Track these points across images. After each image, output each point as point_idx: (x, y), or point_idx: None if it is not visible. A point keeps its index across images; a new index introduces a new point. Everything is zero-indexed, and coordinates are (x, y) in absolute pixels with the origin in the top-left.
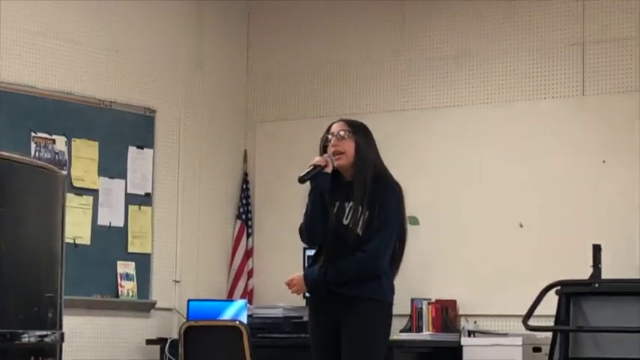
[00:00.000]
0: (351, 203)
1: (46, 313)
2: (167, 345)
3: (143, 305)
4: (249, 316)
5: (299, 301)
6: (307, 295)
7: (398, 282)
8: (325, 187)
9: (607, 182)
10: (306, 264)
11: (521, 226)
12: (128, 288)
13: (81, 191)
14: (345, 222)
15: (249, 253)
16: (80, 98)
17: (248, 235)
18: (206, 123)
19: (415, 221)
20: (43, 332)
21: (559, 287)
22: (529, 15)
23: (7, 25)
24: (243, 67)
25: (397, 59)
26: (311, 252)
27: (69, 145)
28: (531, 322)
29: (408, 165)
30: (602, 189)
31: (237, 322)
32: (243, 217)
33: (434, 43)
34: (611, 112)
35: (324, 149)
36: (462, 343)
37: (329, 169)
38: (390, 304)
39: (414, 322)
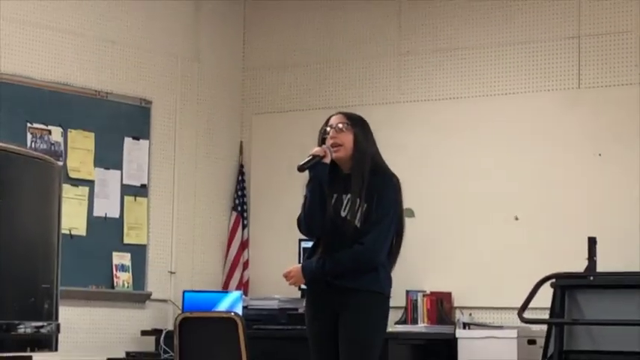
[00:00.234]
0: (348, 195)
1: (42, 304)
2: (162, 336)
3: (138, 296)
4: (244, 308)
5: (294, 292)
6: (304, 287)
7: (393, 274)
8: (324, 178)
9: (602, 175)
10: (301, 255)
11: (516, 218)
12: (123, 279)
13: (77, 182)
14: (343, 214)
15: (244, 245)
16: (76, 89)
17: (244, 227)
18: (202, 114)
19: (411, 213)
20: (39, 323)
21: (554, 280)
22: (525, 8)
23: (4, 17)
24: (240, 59)
25: (393, 52)
26: (307, 244)
27: (65, 135)
28: (526, 315)
29: (404, 157)
30: (597, 182)
31: (233, 314)
32: (239, 208)
33: (430, 35)
34: (606, 105)
35: (322, 141)
36: (457, 335)
37: (327, 160)
38: (388, 297)
39: (409, 314)
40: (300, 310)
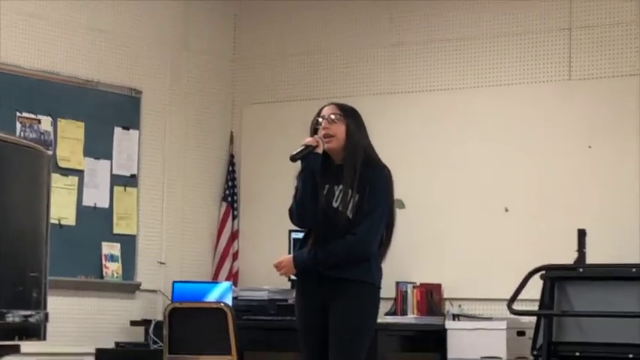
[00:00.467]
0: (340, 186)
1: (31, 293)
2: (152, 326)
3: (128, 286)
4: (234, 298)
5: (284, 283)
6: (293, 277)
7: (383, 265)
8: (316, 168)
9: (593, 167)
10: (291, 246)
11: (506, 210)
12: (113, 269)
13: (66, 172)
14: (335, 205)
15: (234, 236)
16: (66, 78)
17: (234, 217)
18: (192, 104)
19: (401, 205)
20: (28, 312)
21: (544, 271)
22: (516, 0)
23: None
24: (230, 49)
25: (384, 43)
26: (297, 235)
27: (54, 125)
28: (516, 306)
29: (395, 148)
30: (587, 174)
31: (222, 304)
32: (229, 199)
33: (421, 26)
34: (597, 97)
35: (314, 132)
36: (447, 326)
37: (320, 150)
38: (379, 288)
39: (399, 305)
40: (290, 301)
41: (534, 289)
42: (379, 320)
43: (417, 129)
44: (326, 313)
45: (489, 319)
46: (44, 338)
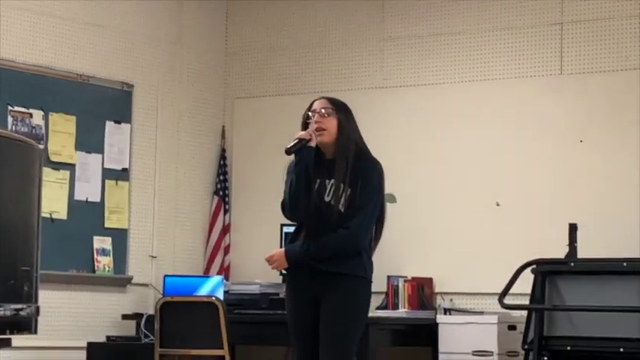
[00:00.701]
0: (332, 181)
1: (22, 287)
2: (143, 320)
3: (119, 280)
4: (225, 292)
5: (276, 277)
6: (284, 272)
7: (375, 259)
8: (310, 161)
9: (584, 162)
10: (283, 240)
11: (497, 204)
12: (104, 263)
13: (58, 165)
14: (327, 199)
15: (226, 229)
16: (58, 72)
17: (225, 211)
18: (184, 98)
19: (392, 199)
20: (19, 305)
21: (535, 266)
22: None
23: None
24: (222, 43)
25: (376, 37)
26: (289, 229)
27: (46, 119)
28: (507, 301)
29: (386, 143)
30: (579, 168)
31: (214, 298)
32: (221, 193)
33: (413, 21)
34: (588, 92)
35: (305, 126)
36: (438, 320)
37: (313, 144)
38: (370, 281)
39: (390, 299)
40: (282, 295)
41: (525, 283)
42: (370, 314)
43: (408, 123)
44: (317, 306)
45: (481, 313)
46: (35, 332)
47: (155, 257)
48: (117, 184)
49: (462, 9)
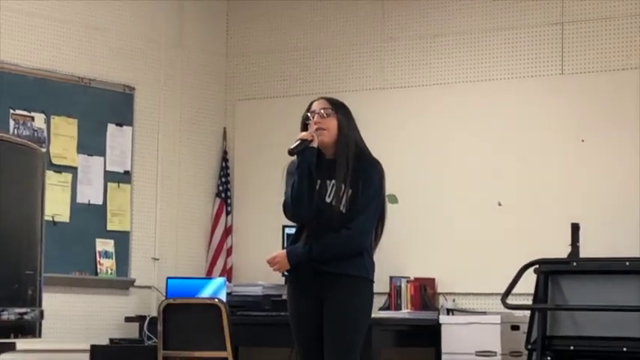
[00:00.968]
0: (333, 181)
1: (26, 291)
2: (146, 322)
3: (122, 283)
4: (228, 294)
5: (278, 278)
6: (286, 273)
7: (377, 260)
8: (313, 162)
9: (586, 161)
10: (285, 242)
11: (499, 204)
12: (107, 266)
13: (60, 168)
14: (328, 200)
15: (228, 231)
16: (59, 76)
17: (227, 213)
18: (185, 101)
19: (394, 200)
20: (23, 309)
21: (537, 266)
22: None
23: None
24: (223, 45)
25: (376, 38)
26: (291, 230)
27: (48, 122)
28: (510, 301)
29: (387, 144)
30: (580, 168)
31: (216, 300)
32: (223, 195)
33: (413, 22)
34: (590, 92)
35: (304, 127)
36: (441, 321)
37: (315, 144)
38: (372, 281)
39: (393, 300)
40: (284, 297)
41: (528, 283)
42: (373, 315)
43: (409, 124)
44: (320, 307)
45: (483, 313)
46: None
47: (157, 259)
48: (119, 186)
49: (463, 9)
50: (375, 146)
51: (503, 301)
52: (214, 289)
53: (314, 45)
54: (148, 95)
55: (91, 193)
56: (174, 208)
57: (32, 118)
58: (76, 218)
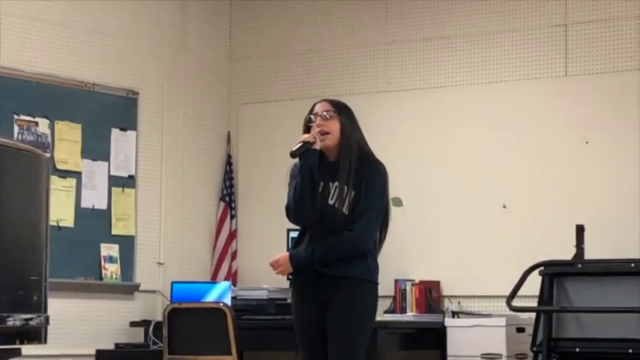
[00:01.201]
0: (336, 183)
1: (31, 297)
2: (151, 327)
3: (127, 287)
4: (233, 298)
5: (283, 282)
6: (290, 276)
7: (382, 263)
8: (315, 164)
9: (590, 163)
10: (289, 245)
11: (504, 207)
12: (112, 270)
13: (64, 174)
14: (331, 202)
15: (232, 235)
16: (63, 81)
17: (232, 217)
18: (189, 105)
19: (399, 202)
20: (28, 315)
21: (542, 268)
22: None
23: None
24: (227, 49)
25: (380, 41)
26: (295, 234)
27: (52, 127)
28: (515, 303)
29: (391, 146)
30: (585, 170)
31: (222, 304)
32: (227, 199)
33: (417, 24)
34: (593, 93)
35: (307, 130)
36: (446, 324)
37: (317, 146)
38: (377, 284)
39: (398, 303)
40: (289, 300)
41: (533, 285)
42: (378, 318)
43: (414, 127)
44: (324, 310)
45: (489, 315)
46: (45, 341)
47: (162, 264)
48: (123, 191)
49: (466, 12)
50: (379, 149)
51: (508, 303)
52: (219, 293)
53: (317, 48)
54: (152, 99)
55: (95, 197)
56: (179, 212)
57: (36, 124)
58: (80, 223)
